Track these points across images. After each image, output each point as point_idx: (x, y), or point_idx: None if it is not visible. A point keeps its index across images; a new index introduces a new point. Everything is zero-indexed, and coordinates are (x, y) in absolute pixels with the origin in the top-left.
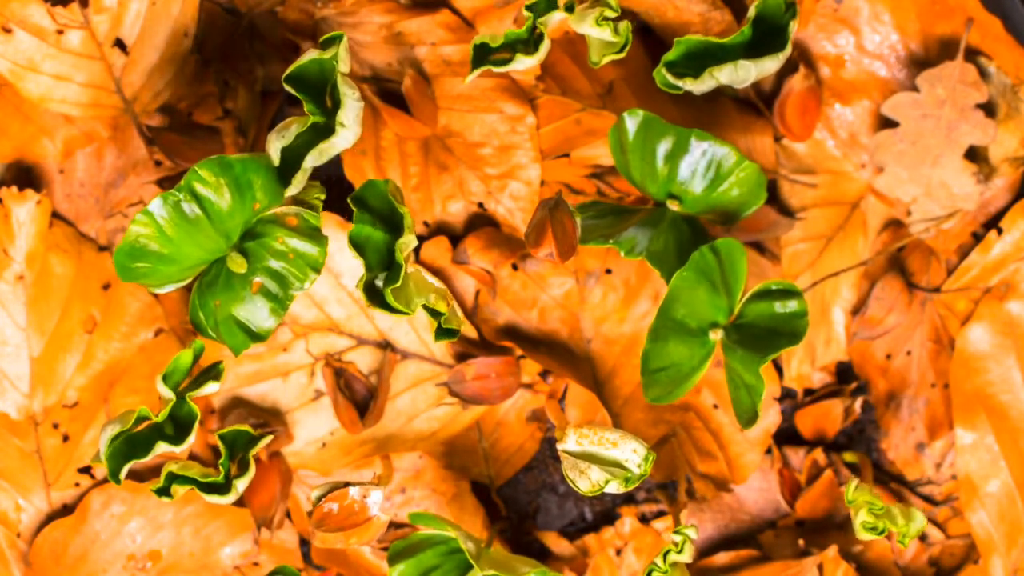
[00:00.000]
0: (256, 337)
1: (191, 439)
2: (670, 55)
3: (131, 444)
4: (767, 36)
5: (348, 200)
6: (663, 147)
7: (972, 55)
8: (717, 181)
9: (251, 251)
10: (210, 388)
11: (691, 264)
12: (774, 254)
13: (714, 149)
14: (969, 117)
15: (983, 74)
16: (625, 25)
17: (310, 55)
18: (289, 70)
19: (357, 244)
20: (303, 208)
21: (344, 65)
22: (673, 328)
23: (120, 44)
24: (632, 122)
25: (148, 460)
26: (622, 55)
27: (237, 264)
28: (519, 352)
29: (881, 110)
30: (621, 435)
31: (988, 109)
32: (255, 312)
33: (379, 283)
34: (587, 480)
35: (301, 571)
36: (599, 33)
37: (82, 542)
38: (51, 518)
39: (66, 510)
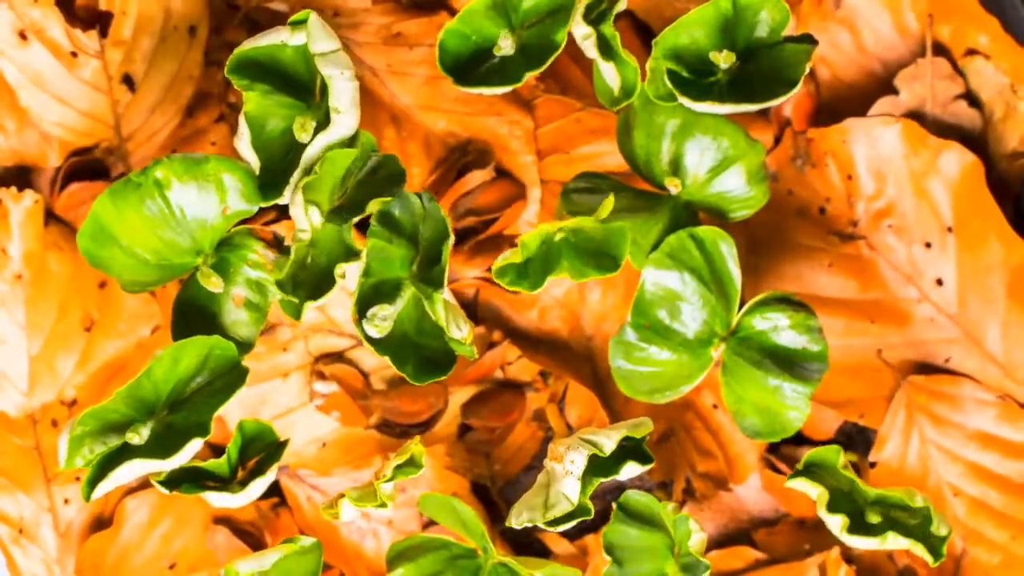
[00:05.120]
0: (245, 348)
1: (179, 456)
2: (653, 57)
3: (111, 456)
4: (761, 54)
5: (372, 216)
6: (672, 124)
7: (970, 55)
8: (724, 164)
9: (227, 260)
10: (236, 398)
11: (664, 248)
12: None
13: (725, 131)
14: (953, 109)
15: (979, 74)
16: (632, 69)
17: (270, 37)
18: (236, 52)
19: (369, 260)
20: (276, 223)
21: (323, 44)
22: (656, 330)
23: (128, 81)
24: (643, 98)
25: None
26: (630, 100)
27: (209, 281)
28: (525, 379)
29: (869, 115)
30: (566, 447)
31: (970, 99)
32: (238, 324)
33: (386, 304)
34: (512, 519)
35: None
36: (593, 51)
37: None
38: (52, 516)
39: (67, 503)
